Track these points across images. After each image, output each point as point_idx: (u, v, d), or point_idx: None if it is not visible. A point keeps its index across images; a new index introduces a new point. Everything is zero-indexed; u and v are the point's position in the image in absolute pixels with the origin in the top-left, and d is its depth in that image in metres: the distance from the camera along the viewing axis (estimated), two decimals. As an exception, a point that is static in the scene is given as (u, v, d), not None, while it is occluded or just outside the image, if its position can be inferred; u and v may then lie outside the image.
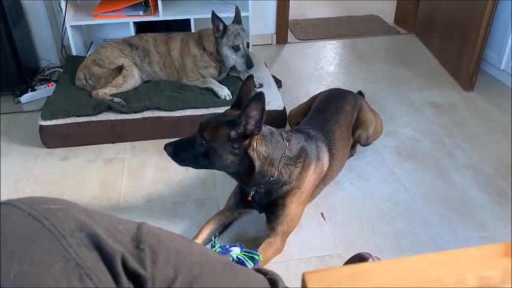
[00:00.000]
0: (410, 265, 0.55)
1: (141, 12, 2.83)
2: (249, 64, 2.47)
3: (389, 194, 1.96)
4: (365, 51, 3.49)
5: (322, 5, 4.55)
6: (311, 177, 1.62)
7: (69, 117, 2.23)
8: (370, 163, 2.17)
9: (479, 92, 2.82)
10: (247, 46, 2.51)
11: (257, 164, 1.47)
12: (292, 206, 1.58)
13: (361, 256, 1.41)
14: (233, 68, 2.67)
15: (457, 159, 2.18)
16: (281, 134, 1.59)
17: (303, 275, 0.56)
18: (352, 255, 1.47)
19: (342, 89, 2.20)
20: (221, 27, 2.43)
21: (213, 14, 2.42)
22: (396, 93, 2.83)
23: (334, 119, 1.89)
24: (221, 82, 2.54)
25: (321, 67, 3.22)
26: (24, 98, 2.67)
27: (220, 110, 2.20)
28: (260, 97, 1.34)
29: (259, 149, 1.47)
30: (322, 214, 1.84)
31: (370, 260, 1.38)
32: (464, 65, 2.84)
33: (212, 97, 2.43)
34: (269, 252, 1.54)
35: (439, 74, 3.08)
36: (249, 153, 1.45)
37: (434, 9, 3.34)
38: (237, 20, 2.53)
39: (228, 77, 2.68)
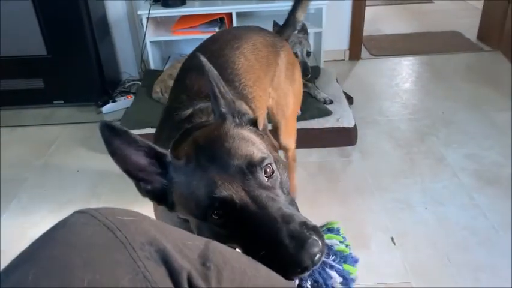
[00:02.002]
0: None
1: (216, 29, 2.92)
2: (305, 71, 2.43)
3: (467, 221, 1.82)
4: (444, 69, 3.31)
5: (398, 21, 4.42)
6: None
7: (145, 128, 2.34)
8: (447, 187, 2.04)
9: None
10: (307, 55, 2.50)
11: None
12: None
13: None
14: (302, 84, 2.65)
15: (546, 188, 1.99)
16: None
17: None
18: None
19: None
20: None
21: (274, 23, 2.44)
22: (479, 113, 2.65)
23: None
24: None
25: (396, 84, 3.11)
26: (106, 109, 2.84)
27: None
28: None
29: None
30: (392, 239, 1.75)
31: None
32: (557, 84, 2.60)
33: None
34: None
35: (527, 94, 2.85)
36: None
37: (523, 24, 3.11)
38: (304, 30, 2.53)
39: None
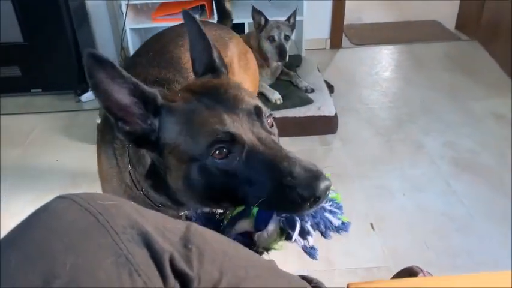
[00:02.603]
0: (464, 283, 0.52)
1: (197, 16, 2.88)
2: (281, 54, 2.44)
3: (444, 207, 1.87)
4: (423, 58, 3.36)
5: (379, 10, 4.44)
6: None
7: (125, 116, 2.31)
8: (425, 174, 2.08)
9: (548, 103, 2.64)
10: (286, 38, 2.48)
11: None
12: None
13: (411, 270, 1.35)
14: (283, 73, 2.66)
15: (520, 174, 2.05)
16: None
17: (348, 286, 0.54)
18: (401, 269, 1.41)
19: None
20: (262, 21, 2.45)
21: (253, 9, 2.44)
22: (456, 102, 2.70)
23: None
24: (272, 86, 2.54)
25: (376, 73, 3.14)
26: (85, 97, 2.80)
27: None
28: None
29: None
30: (371, 224, 1.78)
31: (421, 275, 1.31)
32: (532, 73, 2.66)
33: (263, 101, 2.43)
34: None
35: (502, 82, 2.91)
36: None
37: (500, 14, 3.16)
38: (288, 18, 2.54)
39: (279, 81, 2.67)
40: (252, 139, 0.73)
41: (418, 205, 1.89)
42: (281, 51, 2.44)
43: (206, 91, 0.79)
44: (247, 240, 0.74)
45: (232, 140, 0.72)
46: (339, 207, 0.79)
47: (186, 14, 0.92)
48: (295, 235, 0.72)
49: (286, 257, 1.45)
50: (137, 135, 0.78)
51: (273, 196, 0.69)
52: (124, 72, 0.73)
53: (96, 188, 2.03)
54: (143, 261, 0.52)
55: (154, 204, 0.93)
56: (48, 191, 2.06)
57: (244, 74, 1.60)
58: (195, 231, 0.61)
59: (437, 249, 1.65)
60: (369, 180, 2.05)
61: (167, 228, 0.58)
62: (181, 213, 0.96)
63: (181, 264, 0.55)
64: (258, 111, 0.77)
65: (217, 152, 0.72)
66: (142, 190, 0.92)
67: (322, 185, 0.67)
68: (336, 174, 2.10)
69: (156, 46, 1.37)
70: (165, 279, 0.53)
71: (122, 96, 0.75)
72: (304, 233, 0.73)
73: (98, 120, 2.32)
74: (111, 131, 1.01)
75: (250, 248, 0.70)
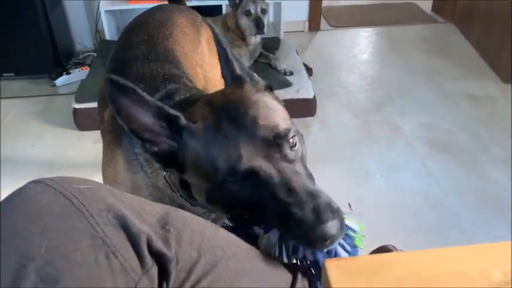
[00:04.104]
0: (435, 257, 0.53)
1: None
2: (259, 25, 2.43)
3: (419, 187, 1.91)
4: (400, 40, 3.39)
5: (357, -8, 4.44)
6: None
7: (101, 100, 2.27)
8: (401, 155, 2.12)
9: (520, 84, 2.70)
10: (262, 12, 2.48)
11: None
12: None
13: (386, 248, 1.38)
14: (262, 55, 2.65)
15: (493, 154, 2.10)
16: None
17: (325, 262, 0.55)
18: (375, 248, 1.44)
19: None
20: None
21: None
22: (432, 84, 2.74)
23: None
24: (250, 68, 2.52)
25: (354, 55, 3.16)
26: (60, 81, 2.73)
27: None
28: None
29: None
30: (349, 205, 1.81)
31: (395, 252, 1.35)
32: (504, 55, 2.71)
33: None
34: None
35: (477, 65, 2.96)
36: None
37: (475, -3, 3.20)
38: None
39: (257, 64, 2.66)
40: (268, 171, 0.71)
41: (395, 185, 1.92)
42: (258, 23, 2.43)
43: (226, 109, 0.75)
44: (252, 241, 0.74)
45: (249, 174, 0.71)
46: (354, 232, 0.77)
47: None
48: (295, 260, 0.70)
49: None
50: (165, 155, 0.78)
51: (285, 227, 0.68)
52: (147, 96, 0.72)
53: (74, 173, 2.02)
54: (120, 243, 0.52)
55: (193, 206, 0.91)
56: (24, 177, 2.02)
57: (214, 57, 1.58)
58: (175, 213, 0.61)
59: (413, 228, 1.69)
60: (347, 161, 2.08)
61: (145, 210, 0.58)
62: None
63: (159, 245, 0.55)
64: (277, 140, 0.73)
65: (234, 181, 0.72)
66: (179, 192, 0.89)
67: (331, 229, 0.65)
68: (315, 156, 2.12)
69: (142, 36, 1.30)
70: (142, 260, 0.53)
71: (147, 119, 0.74)
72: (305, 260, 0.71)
73: (74, 105, 2.28)
74: (128, 135, 1.00)
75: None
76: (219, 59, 0.85)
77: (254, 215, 0.75)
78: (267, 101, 0.79)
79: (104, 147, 1.10)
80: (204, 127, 0.74)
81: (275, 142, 0.72)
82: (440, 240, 1.64)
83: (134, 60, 1.18)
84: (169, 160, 0.78)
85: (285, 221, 0.67)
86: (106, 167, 1.07)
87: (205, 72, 1.49)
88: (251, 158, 0.70)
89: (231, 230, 0.70)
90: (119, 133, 1.02)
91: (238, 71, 0.82)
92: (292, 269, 0.72)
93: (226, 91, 0.82)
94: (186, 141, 0.75)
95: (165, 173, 0.89)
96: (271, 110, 0.77)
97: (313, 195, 0.68)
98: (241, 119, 0.73)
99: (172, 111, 0.75)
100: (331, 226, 0.65)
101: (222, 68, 0.85)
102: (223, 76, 0.86)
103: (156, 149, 0.77)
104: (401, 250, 1.40)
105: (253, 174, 0.70)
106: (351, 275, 0.51)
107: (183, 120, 0.75)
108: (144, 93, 0.72)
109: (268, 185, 0.70)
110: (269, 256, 0.70)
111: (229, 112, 0.75)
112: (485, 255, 0.54)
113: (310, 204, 0.67)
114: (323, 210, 0.66)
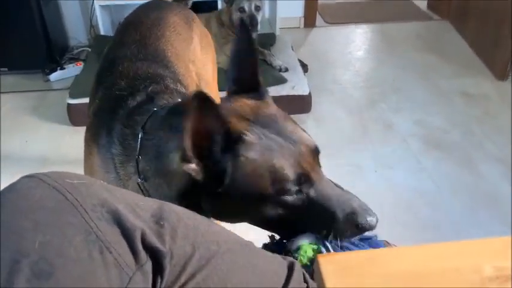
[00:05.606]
0: (428, 252, 0.54)
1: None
2: (252, 23, 2.46)
3: (414, 184, 1.92)
4: (395, 37, 3.39)
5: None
6: None
7: (96, 96, 2.26)
8: (395, 151, 2.13)
9: (513, 82, 2.72)
10: (256, 9, 2.51)
11: None
12: None
13: None
14: (257, 51, 2.64)
15: (486, 151, 2.12)
16: None
17: (317, 258, 0.55)
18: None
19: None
20: None
21: None
22: (426, 81, 2.75)
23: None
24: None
25: (349, 52, 3.16)
26: (54, 76, 2.72)
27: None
28: None
29: None
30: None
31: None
32: (499, 53, 2.73)
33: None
34: None
35: (472, 62, 2.97)
36: None
37: (470, -6, 3.21)
38: None
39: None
40: (317, 177, 0.79)
41: (389, 182, 1.93)
42: (251, 21, 2.45)
43: (264, 121, 0.78)
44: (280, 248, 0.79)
45: (303, 181, 0.76)
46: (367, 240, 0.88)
47: (243, 27, 0.92)
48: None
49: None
50: (212, 172, 0.76)
51: (330, 226, 0.77)
52: (223, 117, 0.74)
53: (68, 169, 2.01)
54: (114, 239, 0.52)
55: None
56: (17, 173, 2.01)
57: (206, 54, 1.58)
58: (169, 208, 0.61)
59: (407, 224, 1.70)
60: (342, 158, 2.08)
61: (139, 205, 0.58)
62: None
63: (153, 240, 0.55)
64: (317, 150, 0.82)
65: (290, 191, 0.76)
66: None
67: (375, 220, 0.81)
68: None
69: (134, 36, 1.30)
70: (136, 255, 0.53)
71: (208, 135, 0.74)
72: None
73: (68, 100, 2.27)
74: (108, 133, 0.98)
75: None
76: (240, 62, 0.87)
77: (284, 229, 0.80)
78: (288, 115, 0.85)
79: (84, 143, 1.11)
80: (257, 139, 0.76)
81: (317, 154, 0.82)
82: (433, 235, 1.65)
83: (122, 59, 1.18)
84: (215, 177, 0.77)
85: (331, 219, 0.78)
86: (84, 163, 1.10)
87: (198, 69, 1.49)
88: (304, 166, 0.77)
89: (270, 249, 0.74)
90: (98, 131, 1.02)
91: (261, 83, 0.85)
92: (289, 264, 0.72)
93: (247, 102, 0.83)
94: (243, 153, 0.75)
95: (139, 179, 0.88)
96: (297, 126, 0.84)
97: (354, 195, 0.83)
98: (285, 132, 0.79)
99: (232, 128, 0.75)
100: (374, 220, 0.81)
101: (236, 65, 0.86)
102: (231, 79, 0.87)
103: (204, 164, 0.75)
104: (394, 245, 1.41)
105: (305, 182, 0.77)
106: (343, 270, 0.52)
107: (236, 135, 0.75)
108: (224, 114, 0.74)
109: (322, 191, 0.78)
110: (264, 251, 0.71)
111: (269, 124, 0.78)
112: (478, 251, 0.54)
113: (357, 200, 0.82)
114: (368, 207, 0.82)
